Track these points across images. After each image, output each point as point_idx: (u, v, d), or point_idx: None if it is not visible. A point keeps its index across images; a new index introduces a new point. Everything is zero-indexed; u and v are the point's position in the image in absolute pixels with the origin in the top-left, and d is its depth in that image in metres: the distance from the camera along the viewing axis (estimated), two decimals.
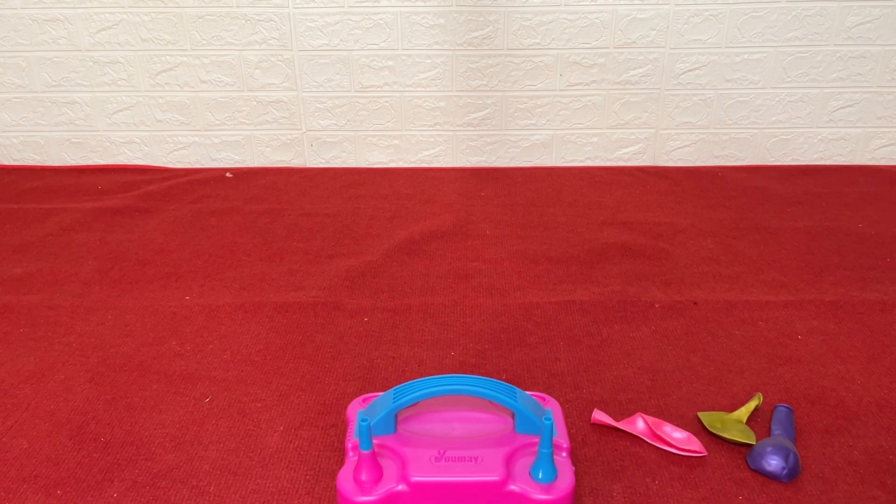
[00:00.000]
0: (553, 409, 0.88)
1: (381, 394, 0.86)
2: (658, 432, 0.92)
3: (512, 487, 0.76)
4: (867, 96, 1.82)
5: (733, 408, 0.99)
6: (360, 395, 1.00)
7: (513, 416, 0.82)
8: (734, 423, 0.95)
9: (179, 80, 1.83)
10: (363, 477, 0.76)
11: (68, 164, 1.93)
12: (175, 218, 1.60)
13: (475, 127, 1.87)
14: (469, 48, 1.78)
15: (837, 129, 1.86)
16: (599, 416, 0.96)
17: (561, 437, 0.82)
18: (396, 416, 0.82)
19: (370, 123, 1.87)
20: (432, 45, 1.78)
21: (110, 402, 1.01)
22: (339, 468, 0.80)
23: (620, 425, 0.95)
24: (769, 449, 0.88)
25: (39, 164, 1.93)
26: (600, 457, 0.91)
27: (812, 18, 1.74)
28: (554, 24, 1.76)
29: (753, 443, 0.91)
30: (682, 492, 0.86)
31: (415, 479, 0.76)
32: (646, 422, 0.94)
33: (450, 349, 1.13)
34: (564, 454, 0.81)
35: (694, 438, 0.92)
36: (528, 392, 0.88)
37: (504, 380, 1.05)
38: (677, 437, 0.92)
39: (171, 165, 1.92)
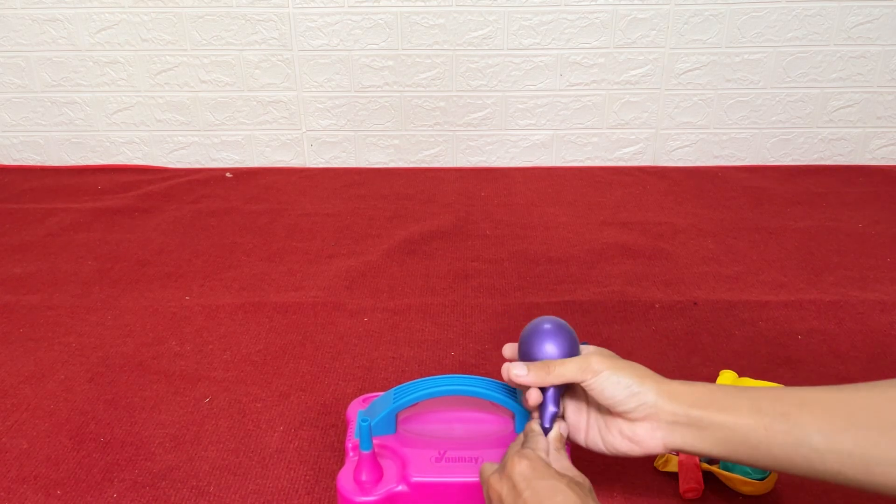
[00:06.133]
0: None
1: (381, 394, 0.86)
2: None
3: None
4: (867, 96, 1.82)
5: None
6: (360, 395, 1.00)
7: (513, 416, 0.82)
8: None
9: (179, 80, 1.83)
10: (363, 477, 0.76)
11: (68, 164, 1.93)
12: (175, 218, 1.60)
13: (475, 127, 1.87)
14: (469, 48, 1.78)
15: (837, 129, 1.86)
16: None
17: None
18: (397, 416, 0.82)
19: (370, 123, 1.87)
20: (432, 45, 1.78)
21: (110, 402, 1.01)
22: (339, 468, 0.80)
23: None
24: None
25: (39, 164, 1.93)
26: (600, 457, 0.91)
27: (812, 18, 1.74)
28: (554, 24, 1.76)
29: None
30: None
31: (415, 479, 0.76)
32: None
33: (450, 349, 1.13)
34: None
35: None
36: None
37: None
38: None
39: (171, 165, 1.92)
